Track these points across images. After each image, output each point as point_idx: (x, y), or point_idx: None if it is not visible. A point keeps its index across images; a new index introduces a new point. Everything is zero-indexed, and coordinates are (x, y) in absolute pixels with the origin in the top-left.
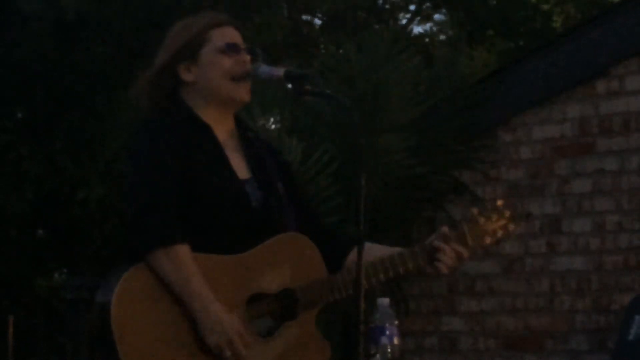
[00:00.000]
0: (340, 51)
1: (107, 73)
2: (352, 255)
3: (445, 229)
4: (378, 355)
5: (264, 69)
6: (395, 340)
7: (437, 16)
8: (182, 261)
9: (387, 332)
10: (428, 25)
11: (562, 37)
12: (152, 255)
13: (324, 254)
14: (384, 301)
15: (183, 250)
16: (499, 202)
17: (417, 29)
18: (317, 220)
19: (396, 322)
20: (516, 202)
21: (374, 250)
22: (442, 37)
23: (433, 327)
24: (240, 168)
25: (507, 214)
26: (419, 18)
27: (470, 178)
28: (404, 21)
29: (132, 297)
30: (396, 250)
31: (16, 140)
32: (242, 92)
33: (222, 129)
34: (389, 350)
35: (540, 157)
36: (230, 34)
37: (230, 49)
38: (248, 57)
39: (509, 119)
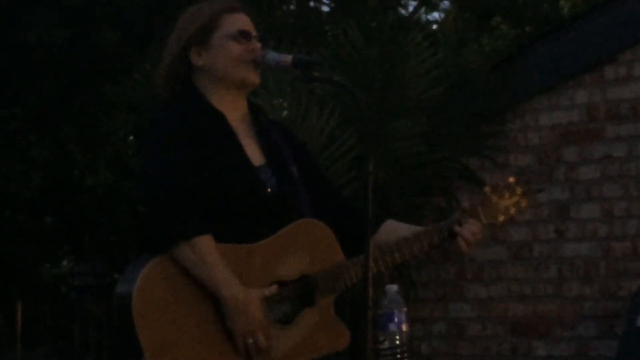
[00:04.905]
0: (349, 36)
1: (115, 60)
2: (378, 235)
3: (466, 204)
4: (386, 342)
5: (273, 55)
6: (404, 327)
7: (445, 3)
8: (207, 251)
9: (396, 319)
10: (437, 14)
11: (570, 23)
12: (176, 249)
13: (348, 234)
14: (393, 288)
15: (206, 241)
16: (511, 179)
17: (425, 17)
18: (341, 201)
19: (404, 309)
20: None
21: (398, 229)
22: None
23: (441, 314)
24: (254, 154)
25: (519, 190)
26: (425, 6)
27: (479, 164)
28: (410, 9)
29: (153, 288)
30: (418, 228)
31: (25, 127)
32: (252, 75)
33: (235, 114)
34: (397, 336)
35: (549, 144)
36: (241, 21)
37: (242, 35)
38: (258, 45)
39: (517, 106)
